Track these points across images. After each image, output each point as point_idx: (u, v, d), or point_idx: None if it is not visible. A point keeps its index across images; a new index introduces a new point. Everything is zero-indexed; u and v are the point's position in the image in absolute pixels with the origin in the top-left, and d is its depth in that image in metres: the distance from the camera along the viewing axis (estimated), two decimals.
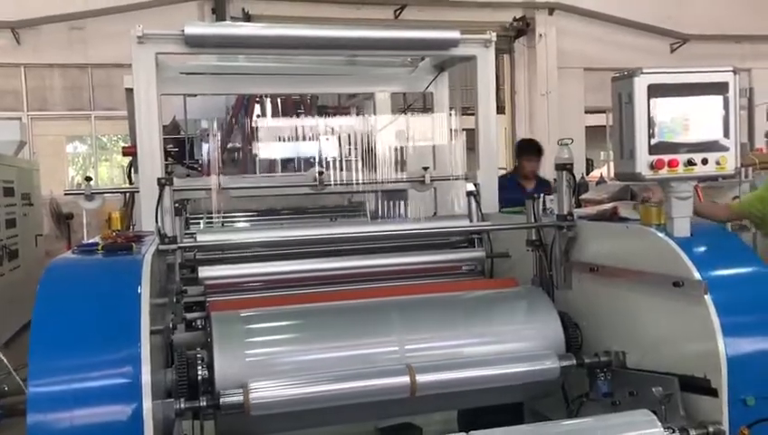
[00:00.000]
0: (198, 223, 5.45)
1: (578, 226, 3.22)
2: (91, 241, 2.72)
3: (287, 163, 6.70)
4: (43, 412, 1.95)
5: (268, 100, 7.13)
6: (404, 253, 3.85)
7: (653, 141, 2.59)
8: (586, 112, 16.66)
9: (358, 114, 7.38)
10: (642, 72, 2.59)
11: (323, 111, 7.46)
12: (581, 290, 3.22)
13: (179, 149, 7.91)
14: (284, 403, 2.65)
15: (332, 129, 6.06)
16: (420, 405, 2.98)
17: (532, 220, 3.44)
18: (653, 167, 2.61)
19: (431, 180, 4.37)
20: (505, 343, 2.99)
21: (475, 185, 4.12)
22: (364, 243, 3.83)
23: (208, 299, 3.36)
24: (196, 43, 3.76)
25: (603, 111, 17.47)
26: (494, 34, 4.21)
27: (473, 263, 3.97)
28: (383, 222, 4.41)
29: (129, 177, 7.72)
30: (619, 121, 2.67)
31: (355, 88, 5.16)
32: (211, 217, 5.44)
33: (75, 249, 2.55)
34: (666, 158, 2.61)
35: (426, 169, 4.40)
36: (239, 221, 5.72)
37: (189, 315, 3.14)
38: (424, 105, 4.97)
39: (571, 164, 3.34)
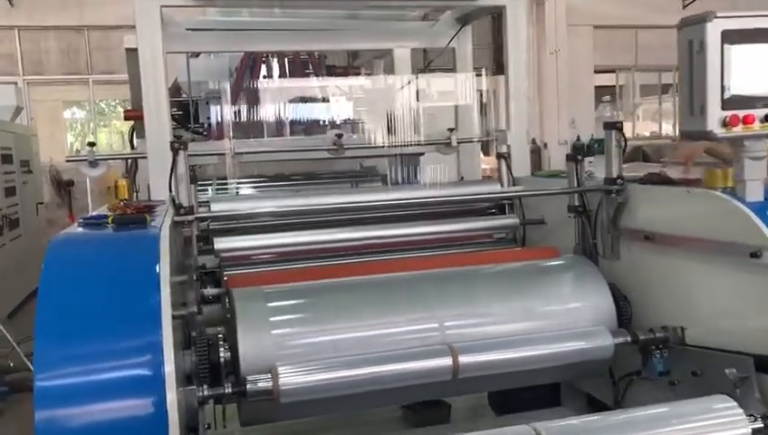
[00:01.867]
0: (206, 190, 5.18)
1: (628, 190, 2.95)
2: (98, 213, 2.45)
3: (296, 126, 6.41)
4: (52, 408, 1.71)
5: (275, 60, 6.80)
6: (431, 221, 3.59)
7: (726, 95, 2.31)
8: (595, 72, 16.26)
9: (368, 74, 7.09)
10: (716, 17, 2.29)
11: (332, 71, 7.13)
12: (631, 260, 2.97)
13: (183, 112, 7.60)
14: (317, 389, 2.41)
15: (345, 89, 5.77)
16: (457, 387, 2.74)
17: (575, 184, 3.18)
18: (726, 124, 2.32)
19: (458, 142, 4.08)
20: (553, 319, 2.75)
21: (507, 147, 3.84)
22: (386, 211, 3.57)
23: (225, 273, 3.12)
24: None
25: (613, 71, 17.10)
26: None
27: (504, 230, 3.71)
28: (408, 188, 4.13)
29: (132, 142, 7.45)
30: (688, 73, 2.37)
31: (371, 44, 4.84)
32: (221, 184, 5.18)
33: (81, 222, 2.28)
34: (740, 113, 2.32)
35: (451, 130, 4.11)
36: (250, 188, 5.47)
37: (207, 291, 2.88)
38: (454, 63, 4.62)
39: (621, 123, 3.06)
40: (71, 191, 12.96)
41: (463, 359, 2.51)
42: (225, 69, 7.38)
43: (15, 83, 11.42)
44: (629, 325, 2.84)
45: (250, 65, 6.77)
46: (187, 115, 7.57)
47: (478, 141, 4.17)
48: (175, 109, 7.59)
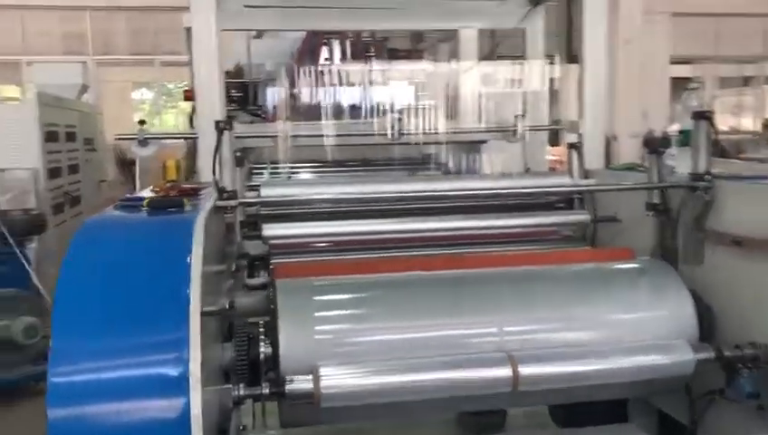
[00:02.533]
0: (262, 173, 5.05)
1: (717, 187, 2.64)
2: (137, 194, 2.30)
3: (355, 111, 6.23)
4: (65, 406, 1.56)
5: (336, 43, 6.63)
6: (493, 214, 3.33)
7: None
8: (671, 62, 15.50)
9: (432, 59, 6.84)
10: None
11: (394, 54, 6.91)
12: (715, 266, 2.65)
13: (243, 94, 7.52)
14: (361, 394, 2.21)
15: (407, 73, 5.55)
16: (515, 399, 2.50)
17: (656, 179, 2.87)
18: None
19: (525, 130, 3.80)
20: (626, 329, 2.47)
21: (579, 136, 3.55)
22: (445, 201, 3.34)
23: (272, 261, 2.95)
24: None
25: (690, 62, 16.27)
26: None
27: (572, 227, 3.42)
28: (469, 178, 3.88)
29: (191, 123, 7.41)
30: None
31: (436, 23, 4.59)
32: (276, 168, 5.03)
33: (118, 204, 2.13)
34: None
35: (519, 116, 3.83)
36: (304, 173, 5.31)
37: (251, 281, 2.71)
38: (523, 45, 4.33)
39: (712, 112, 2.74)
40: (133, 170, 13.12)
41: (523, 369, 2.26)
42: (286, 51, 7.26)
43: (84, 62, 11.59)
44: (713, 339, 2.54)
45: (311, 47, 6.62)
46: (247, 97, 7.49)
47: (547, 129, 3.87)
48: (235, 90, 7.54)
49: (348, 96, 5.30)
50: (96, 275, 1.68)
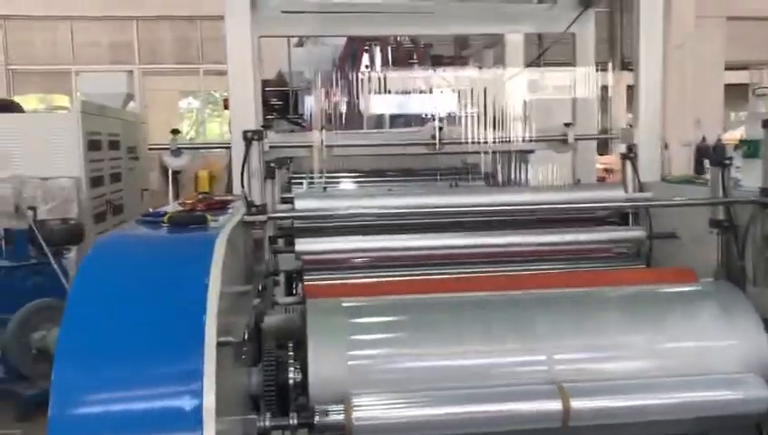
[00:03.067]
0: (301, 184, 4.92)
1: None
2: (160, 209, 2.17)
3: (396, 119, 6.07)
4: None
5: (378, 49, 6.47)
6: (540, 229, 3.12)
7: None
8: (726, 68, 14.97)
9: (478, 66, 6.64)
10: None
11: (438, 61, 6.73)
12: None
13: (284, 102, 7.44)
14: (396, 427, 2.03)
15: (451, 80, 5.36)
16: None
17: (720, 194, 2.63)
18: None
19: (575, 139, 3.58)
20: (689, 360, 2.23)
21: (632, 146, 3.32)
22: (489, 215, 3.15)
23: (305, 277, 2.80)
24: None
25: (746, 67, 15.71)
26: None
27: (626, 244, 3.19)
28: (515, 190, 3.66)
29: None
30: None
31: (481, 28, 4.39)
32: (314, 178, 4.90)
33: (138, 219, 2.01)
34: None
35: (568, 125, 3.61)
36: (343, 183, 5.16)
37: (282, 300, 2.56)
38: (573, 51, 4.11)
39: None
40: (178, 179, 13.22)
41: (575, 403, 2.05)
42: (328, 58, 7.14)
43: (131, 72, 11.71)
44: None
45: (352, 54, 6.49)
46: (288, 105, 7.41)
47: (599, 139, 3.65)
48: (276, 99, 7.46)
49: (389, 104, 5.13)
50: (105, 300, 1.54)
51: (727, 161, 2.63)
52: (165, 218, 1.89)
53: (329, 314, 2.26)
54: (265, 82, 7.55)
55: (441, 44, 7.06)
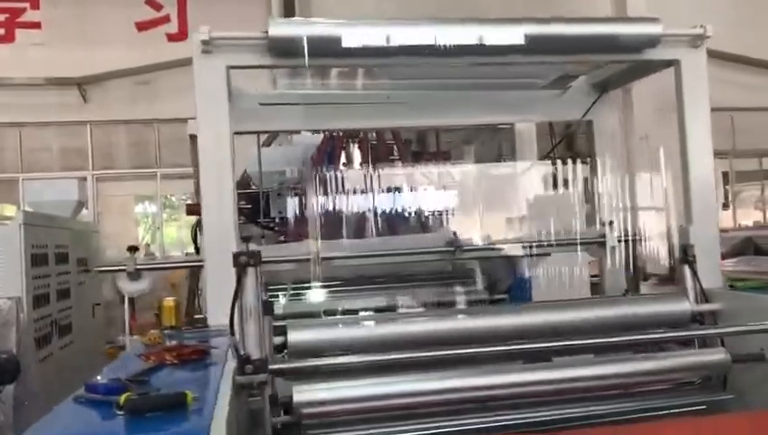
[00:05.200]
0: (277, 297, 4.24)
1: None
2: (107, 380, 1.46)
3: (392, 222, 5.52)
4: None
5: (355, 146, 5.98)
6: (583, 359, 2.51)
7: None
8: None
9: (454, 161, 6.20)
10: None
11: (418, 157, 6.26)
12: None
13: (252, 205, 6.83)
14: None
15: (444, 177, 4.86)
16: None
17: None
18: None
19: (616, 241, 3.03)
20: None
21: (687, 248, 2.79)
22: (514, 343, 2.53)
23: None
24: (285, 50, 2.59)
25: (719, 156, 15.74)
26: (708, 27, 2.92)
27: (705, 371, 2.58)
28: (546, 307, 3.02)
29: (195, 241, 6.67)
30: None
31: (486, 117, 3.89)
32: (297, 291, 4.24)
33: (79, 396, 1.32)
34: None
35: (610, 223, 3.07)
36: (327, 295, 4.49)
37: None
38: (590, 139, 3.67)
39: None
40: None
41: None
42: (297, 158, 6.61)
43: (84, 178, 11.02)
44: None
45: (327, 151, 5.97)
46: (257, 209, 6.79)
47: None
48: (243, 202, 6.84)
49: (381, 205, 4.54)
50: None
51: None
52: (121, 401, 1.21)
53: None
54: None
55: (418, 140, 6.60)
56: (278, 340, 2.12)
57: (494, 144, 6.73)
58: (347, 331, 2.23)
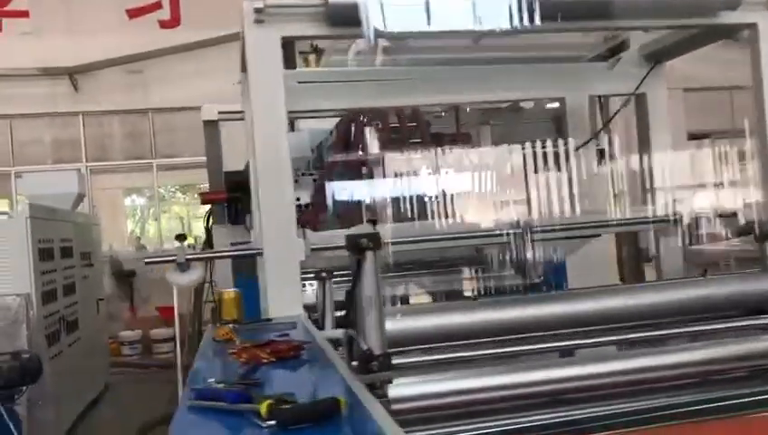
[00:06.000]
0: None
1: None
2: (222, 384, 1.27)
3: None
4: None
5: (373, 130, 5.77)
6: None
7: None
8: (689, 138, 14.90)
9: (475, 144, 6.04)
10: None
11: (439, 139, 6.08)
12: None
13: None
14: None
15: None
16: None
17: None
18: None
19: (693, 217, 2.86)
20: None
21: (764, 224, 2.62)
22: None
23: None
24: (345, 19, 2.38)
25: (708, 136, 15.69)
26: None
27: None
28: (635, 289, 2.85)
29: (209, 230, 6.45)
30: None
31: (535, 91, 3.69)
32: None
33: (194, 404, 1.12)
34: None
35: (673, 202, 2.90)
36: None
37: None
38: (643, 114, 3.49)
39: None
40: (132, 282, 12.09)
41: None
42: (304, 145, 6.40)
43: (79, 170, 10.73)
44: None
45: (348, 135, 5.76)
46: None
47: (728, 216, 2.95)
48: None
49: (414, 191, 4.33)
50: None
51: None
52: (263, 409, 1.02)
53: None
54: (233, 174, 6.76)
55: (440, 122, 6.41)
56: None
57: (514, 126, 6.57)
58: (448, 318, 2.04)
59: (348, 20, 2.34)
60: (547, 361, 2.12)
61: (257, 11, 2.32)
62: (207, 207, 6.24)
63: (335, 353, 1.53)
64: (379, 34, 2.32)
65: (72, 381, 6.64)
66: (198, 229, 14.80)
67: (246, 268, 6.03)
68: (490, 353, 2.00)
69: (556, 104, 5.59)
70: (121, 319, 11.50)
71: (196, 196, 15.10)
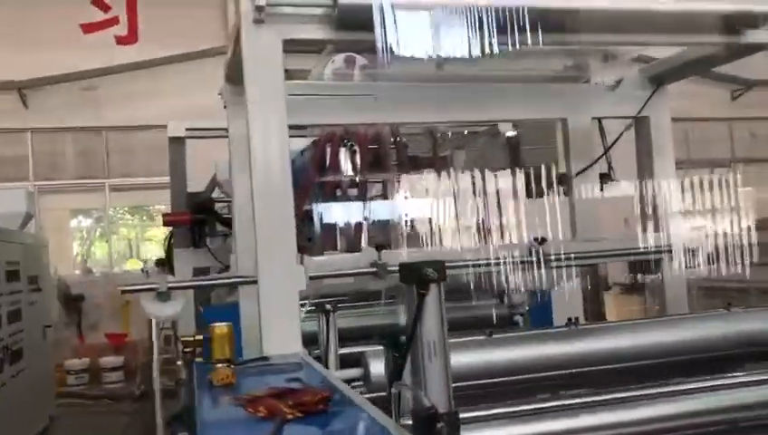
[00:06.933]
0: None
1: None
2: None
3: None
4: None
5: (347, 151, 5.54)
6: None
7: None
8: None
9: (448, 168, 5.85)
10: None
11: (415, 162, 5.87)
12: None
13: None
14: None
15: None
16: None
17: None
18: None
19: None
20: None
21: None
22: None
23: None
24: (356, 22, 2.15)
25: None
26: None
27: None
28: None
29: (168, 254, 6.09)
30: None
31: (533, 112, 3.50)
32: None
33: None
34: None
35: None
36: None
37: None
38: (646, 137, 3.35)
39: None
40: (80, 307, 11.51)
41: None
42: None
43: (27, 189, 10.17)
44: None
45: (320, 157, 5.50)
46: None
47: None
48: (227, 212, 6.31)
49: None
50: None
51: None
52: None
53: None
54: (195, 195, 6.42)
55: (415, 144, 6.21)
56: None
57: (491, 149, 6.41)
58: (489, 354, 1.79)
59: (360, 24, 2.11)
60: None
61: (258, 9, 2.07)
62: (159, 229, 5.88)
63: (373, 407, 1.27)
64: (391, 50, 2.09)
65: (15, 415, 6.13)
66: (147, 252, 14.26)
67: (209, 296, 5.70)
68: (559, 405, 1.75)
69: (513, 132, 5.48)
70: (68, 346, 10.88)
71: (144, 218, 14.59)
